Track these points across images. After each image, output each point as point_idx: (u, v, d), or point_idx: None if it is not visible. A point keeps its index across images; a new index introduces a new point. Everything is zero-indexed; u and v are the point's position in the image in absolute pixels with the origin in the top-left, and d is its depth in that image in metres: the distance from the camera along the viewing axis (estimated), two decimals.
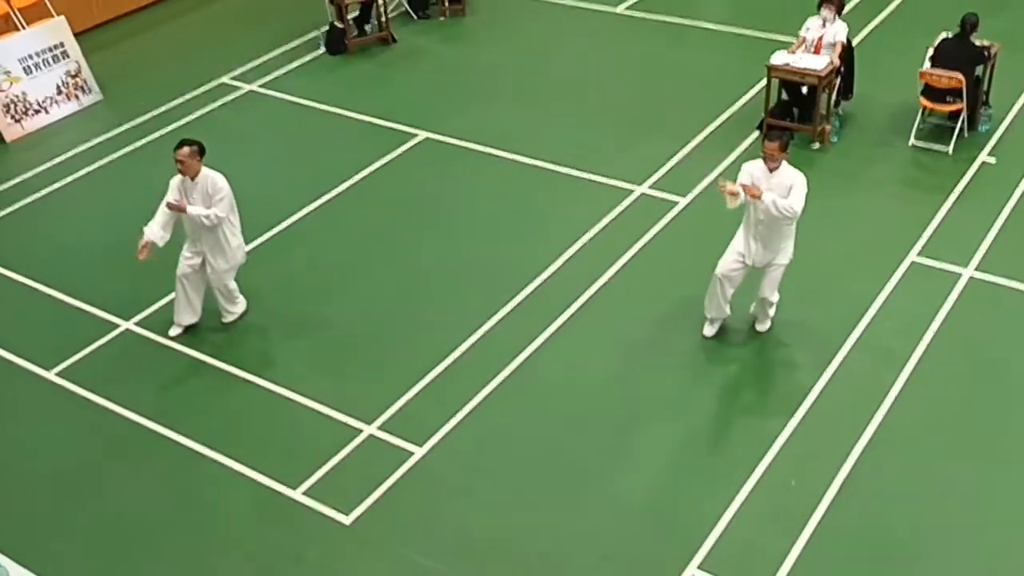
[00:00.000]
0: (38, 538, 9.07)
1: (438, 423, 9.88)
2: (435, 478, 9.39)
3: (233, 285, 11.05)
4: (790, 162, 9.97)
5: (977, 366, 10.20)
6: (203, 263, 10.81)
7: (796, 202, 9.80)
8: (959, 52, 13.10)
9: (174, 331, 11.13)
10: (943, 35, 13.46)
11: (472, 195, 13.20)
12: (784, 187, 9.85)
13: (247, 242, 11.17)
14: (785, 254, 10.18)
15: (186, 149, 10.39)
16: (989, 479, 9.08)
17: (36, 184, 14.03)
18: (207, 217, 10.46)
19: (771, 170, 9.89)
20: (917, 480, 9.08)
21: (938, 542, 8.56)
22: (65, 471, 9.73)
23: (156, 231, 10.56)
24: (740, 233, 10.27)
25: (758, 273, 10.32)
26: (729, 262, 10.29)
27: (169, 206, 10.48)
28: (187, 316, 11.06)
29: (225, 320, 11.20)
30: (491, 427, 9.86)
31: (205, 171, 10.49)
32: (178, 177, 10.52)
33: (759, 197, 9.77)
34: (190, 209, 10.46)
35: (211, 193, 10.43)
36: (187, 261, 10.80)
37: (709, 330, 10.69)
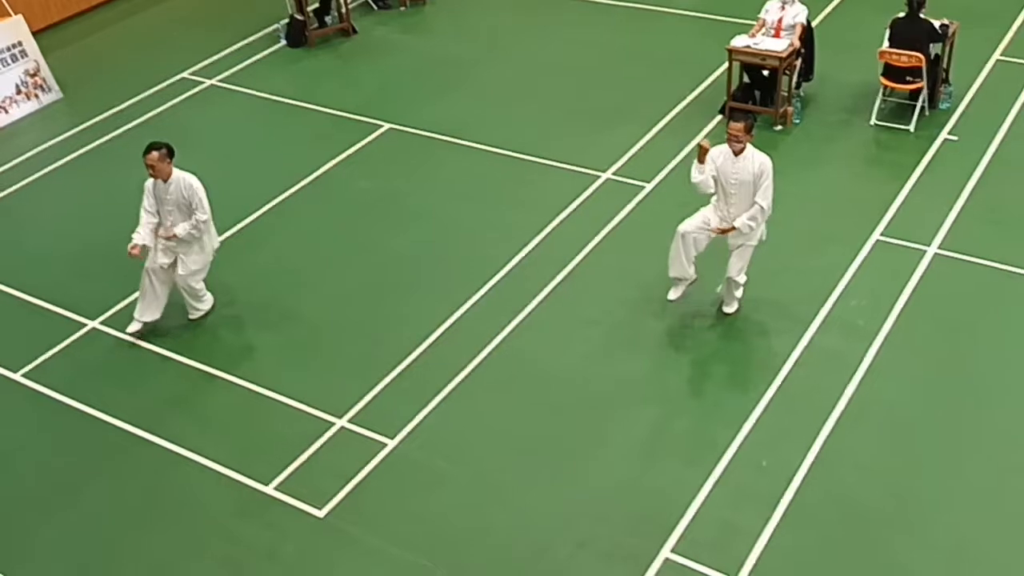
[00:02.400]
0: (7, 543, 8.99)
1: (410, 414, 9.86)
2: (408, 469, 9.37)
3: (200, 285, 10.94)
4: (755, 145, 10.01)
5: (943, 341, 10.29)
6: (174, 262, 10.69)
7: (766, 202, 9.92)
8: (912, 30, 13.16)
9: (133, 327, 10.91)
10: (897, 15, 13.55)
11: (438, 185, 13.17)
12: (750, 173, 9.89)
13: None
14: (755, 234, 10.22)
15: (155, 153, 10.21)
16: (957, 451, 9.16)
17: None
18: (195, 228, 10.39)
19: (736, 154, 9.91)
20: (888, 455, 9.15)
21: (910, 515, 8.62)
22: (34, 473, 9.65)
23: (145, 236, 10.44)
24: (711, 205, 10.34)
25: (727, 252, 10.38)
26: (695, 222, 10.31)
27: (167, 239, 10.43)
28: (152, 312, 10.86)
29: (192, 317, 11.10)
30: (463, 416, 9.86)
31: (177, 173, 10.35)
32: (150, 181, 10.38)
33: (730, 230, 10.07)
34: (178, 230, 10.37)
35: (188, 197, 10.31)
36: (160, 257, 10.63)
37: (674, 294, 10.66)
